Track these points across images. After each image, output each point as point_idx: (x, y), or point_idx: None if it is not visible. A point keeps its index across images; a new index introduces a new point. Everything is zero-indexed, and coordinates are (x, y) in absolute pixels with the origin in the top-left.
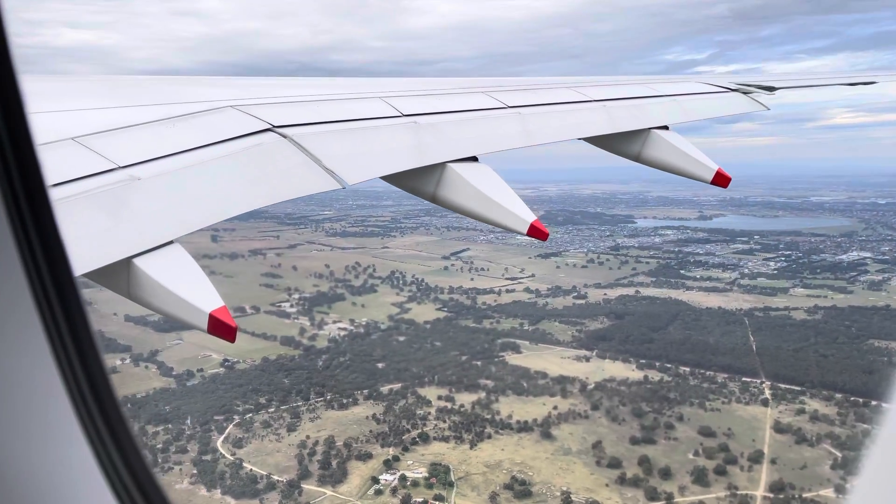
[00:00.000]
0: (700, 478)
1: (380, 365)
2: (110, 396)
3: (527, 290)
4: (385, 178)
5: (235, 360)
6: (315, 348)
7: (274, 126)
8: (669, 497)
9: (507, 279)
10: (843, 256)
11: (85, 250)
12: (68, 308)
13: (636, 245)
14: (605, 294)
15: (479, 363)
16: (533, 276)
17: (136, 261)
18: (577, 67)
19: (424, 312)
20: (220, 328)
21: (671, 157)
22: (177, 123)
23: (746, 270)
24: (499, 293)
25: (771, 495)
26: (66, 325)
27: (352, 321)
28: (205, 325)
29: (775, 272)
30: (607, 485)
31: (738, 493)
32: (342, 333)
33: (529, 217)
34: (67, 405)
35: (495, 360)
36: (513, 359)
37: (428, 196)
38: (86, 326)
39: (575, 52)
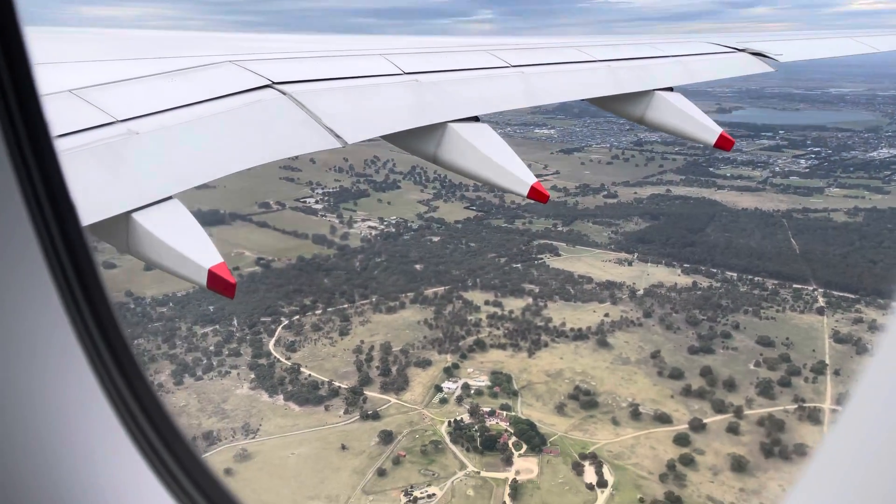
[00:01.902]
0: (765, 390)
1: (417, 267)
2: (113, 322)
3: (554, 188)
4: (385, 137)
5: (270, 258)
6: (349, 248)
7: (273, 82)
8: (738, 411)
9: None
10: (874, 154)
11: (83, 204)
12: (70, 241)
13: (659, 140)
14: (635, 193)
15: (519, 266)
16: (558, 173)
17: (136, 215)
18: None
19: (453, 211)
20: (219, 284)
21: (674, 120)
22: (175, 78)
23: (777, 168)
24: None
25: (839, 408)
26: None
27: (381, 219)
28: (204, 281)
29: (807, 170)
30: (672, 396)
31: (806, 405)
32: (373, 233)
33: (530, 179)
34: (70, 333)
35: (535, 263)
36: (553, 261)
37: (429, 157)
38: (90, 264)
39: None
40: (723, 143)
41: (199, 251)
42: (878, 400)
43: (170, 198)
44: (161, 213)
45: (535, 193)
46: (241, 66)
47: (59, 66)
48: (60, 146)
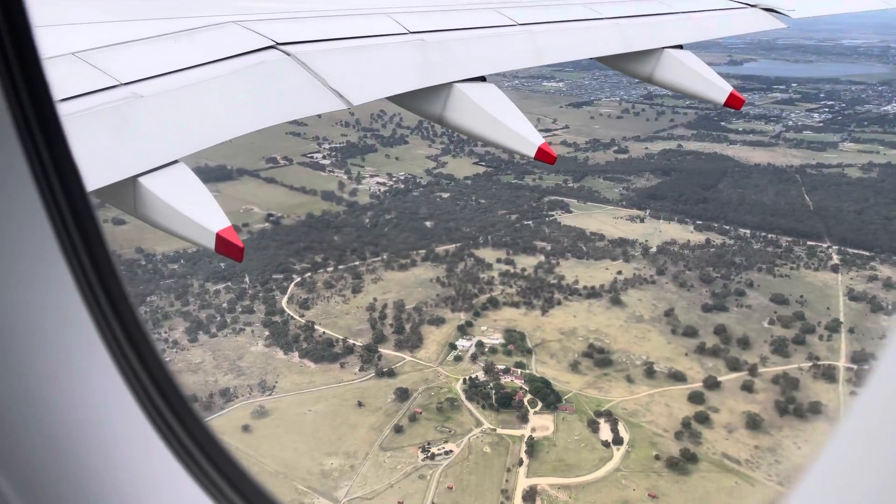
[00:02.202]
0: (780, 348)
1: (428, 224)
2: (119, 287)
3: (564, 143)
4: (390, 98)
5: (280, 214)
6: (358, 204)
7: (277, 43)
8: (752, 369)
9: (540, 130)
10: (888, 108)
11: (89, 168)
12: (76, 206)
13: (668, 93)
14: (646, 148)
15: (530, 223)
16: (567, 127)
17: (142, 180)
18: None
19: (462, 167)
20: (227, 248)
21: (684, 79)
22: (178, 39)
23: (791, 122)
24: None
25: (854, 366)
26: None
27: (389, 175)
28: (212, 245)
29: (821, 125)
30: (686, 354)
31: (820, 363)
32: (382, 189)
33: (537, 140)
34: (63, 267)
35: (547, 221)
36: (564, 218)
37: (435, 118)
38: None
39: None
40: (733, 102)
41: (207, 215)
42: (884, 401)
43: (176, 161)
44: (167, 176)
45: (542, 154)
46: (244, 27)
47: (61, 29)
48: (64, 110)
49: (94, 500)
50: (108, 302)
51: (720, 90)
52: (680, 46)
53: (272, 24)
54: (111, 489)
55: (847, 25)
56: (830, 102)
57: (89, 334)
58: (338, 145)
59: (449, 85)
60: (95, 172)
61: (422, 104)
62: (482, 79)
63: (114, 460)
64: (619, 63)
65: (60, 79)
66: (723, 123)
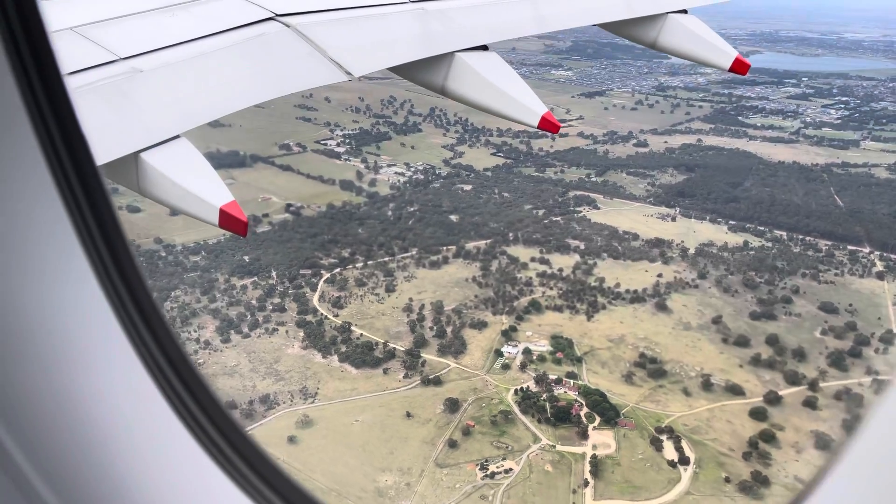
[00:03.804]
0: (837, 361)
1: (453, 218)
2: (130, 259)
3: (581, 134)
4: (392, 69)
5: (300, 204)
6: (379, 195)
7: (277, 14)
8: (812, 384)
9: None
10: None
11: (91, 144)
12: (85, 178)
13: (681, 85)
14: (666, 142)
15: (559, 220)
16: (582, 118)
17: (144, 155)
18: None
19: (479, 157)
20: (231, 223)
21: (689, 44)
22: (177, 12)
23: (808, 119)
24: (552, 138)
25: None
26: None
27: (407, 165)
28: (216, 220)
29: (839, 122)
30: (741, 365)
31: (880, 378)
32: (401, 179)
33: (541, 109)
34: (82, 257)
35: (576, 217)
36: (593, 215)
37: (437, 88)
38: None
39: None
40: (738, 67)
41: (210, 190)
42: None
43: (177, 136)
44: (169, 152)
45: (545, 123)
46: None
47: (58, 4)
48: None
49: (124, 494)
50: (127, 290)
51: (725, 55)
52: (685, 11)
53: None
54: (140, 483)
55: (847, 19)
56: (845, 98)
57: (111, 326)
58: (350, 132)
59: (451, 54)
60: (97, 149)
61: (423, 74)
62: (484, 48)
63: (142, 454)
64: (623, 29)
65: (59, 54)
66: (740, 118)
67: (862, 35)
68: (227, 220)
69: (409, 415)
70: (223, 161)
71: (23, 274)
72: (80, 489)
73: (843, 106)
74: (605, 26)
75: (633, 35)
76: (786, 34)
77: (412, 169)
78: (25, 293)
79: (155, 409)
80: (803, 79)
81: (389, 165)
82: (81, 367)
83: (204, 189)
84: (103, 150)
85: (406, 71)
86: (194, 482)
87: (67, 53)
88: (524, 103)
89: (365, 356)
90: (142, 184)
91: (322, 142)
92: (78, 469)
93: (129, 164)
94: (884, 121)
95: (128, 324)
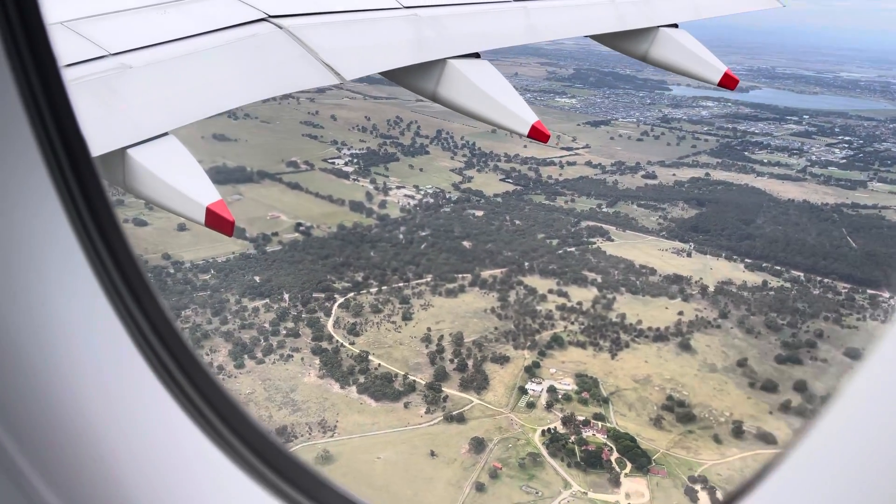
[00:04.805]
0: None
1: (466, 244)
2: (125, 247)
3: (589, 164)
4: (384, 73)
5: (309, 224)
6: (389, 218)
7: (269, 16)
8: None
9: (562, 149)
10: None
11: (88, 141)
12: (83, 179)
13: (685, 118)
14: (674, 175)
15: (574, 251)
16: (588, 147)
17: (131, 152)
18: None
19: (489, 183)
20: (218, 222)
21: (679, 58)
22: (168, 10)
23: (814, 157)
24: (560, 166)
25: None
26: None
27: (416, 188)
28: (202, 219)
29: (844, 161)
30: (771, 412)
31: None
32: (411, 202)
33: (531, 118)
34: (82, 257)
35: (590, 248)
36: (607, 247)
37: (428, 94)
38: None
39: None
40: (727, 82)
41: (197, 189)
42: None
43: (166, 134)
44: (157, 149)
45: (535, 133)
46: None
47: None
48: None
49: (128, 493)
50: (126, 286)
51: (715, 69)
52: (675, 25)
53: None
54: (146, 482)
55: (842, 58)
56: (848, 138)
57: (111, 323)
58: (358, 151)
59: (443, 61)
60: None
61: (415, 80)
62: (476, 55)
63: (146, 451)
64: (614, 41)
65: None
66: (746, 153)
67: (858, 74)
68: (213, 219)
69: (433, 453)
70: (230, 176)
71: (19, 272)
72: (82, 489)
73: (846, 145)
74: (596, 38)
75: (624, 47)
76: (782, 70)
77: (421, 192)
78: (22, 291)
79: (159, 404)
80: (804, 116)
81: (398, 187)
82: (81, 365)
83: (191, 187)
84: (90, 146)
85: (398, 76)
86: (204, 477)
87: (57, 48)
88: (515, 112)
89: (384, 388)
90: (128, 180)
91: (329, 160)
92: (80, 468)
93: (116, 161)
94: (888, 162)
95: (128, 320)
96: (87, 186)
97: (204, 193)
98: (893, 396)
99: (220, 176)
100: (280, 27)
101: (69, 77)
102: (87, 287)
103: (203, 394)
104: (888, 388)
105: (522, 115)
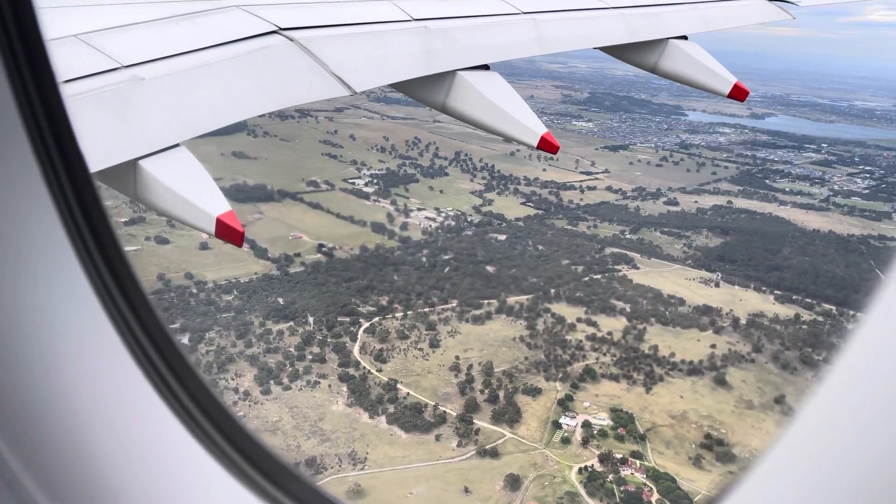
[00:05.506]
0: None
1: (490, 269)
2: (121, 258)
3: (609, 189)
4: (394, 85)
5: (332, 245)
6: (411, 240)
7: (280, 28)
8: None
9: (581, 173)
10: None
11: (90, 150)
12: (81, 193)
13: (703, 144)
14: (696, 202)
15: (600, 278)
16: (608, 171)
17: (142, 163)
18: None
19: (509, 206)
20: (228, 233)
21: (688, 70)
22: (181, 22)
23: (836, 187)
24: (581, 190)
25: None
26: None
27: (437, 210)
28: (212, 229)
29: (867, 192)
30: None
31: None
32: (433, 225)
33: (540, 129)
34: (73, 258)
35: (617, 276)
36: (633, 275)
37: (438, 106)
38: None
39: None
40: (737, 94)
41: (208, 199)
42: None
43: (177, 145)
44: (168, 160)
45: (544, 144)
46: (247, 12)
47: (63, 11)
48: (66, 92)
49: (119, 494)
50: (120, 291)
51: (725, 81)
52: (685, 37)
53: (276, 10)
54: (135, 483)
55: (855, 86)
56: (869, 168)
57: (103, 327)
58: (378, 172)
59: (452, 73)
60: (96, 155)
61: (425, 92)
62: (486, 67)
63: (137, 453)
64: (624, 53)
65: (62, 60)
66: (767, 181)
67: (873, 104)
68: (223, 229)
69: (466, 490)
70: (251, 194)
71: (14, 276)
72: (73, 490)
73: (868, 175)
74: (606, 50)
75: (633, 59)
76: (797, 98)
77: (442, 214)
78: (16, 297)
79: (150, 408)
80: (822, 144)
81: (419, 209)
82: (73, 369)
83: (201, 198)
84: (102, 156)
85: (408, 88)
86: (192, 479)
87: (70, 60)
88: (524, 123)
89: (415, 419)
90: (139, 191)
91: (350, 180)
92: (71, 470)
93: (128, 171)
94: None
95: (120, 324)
96: (82, 194)
97: (214, 204)
98: (868, 393)
99: (241, 194)
100: (291, 39)
101: (83, 88)
102: (80, 292)
103: (194, 398)
104: (863, 386)
105: (531, 126)
